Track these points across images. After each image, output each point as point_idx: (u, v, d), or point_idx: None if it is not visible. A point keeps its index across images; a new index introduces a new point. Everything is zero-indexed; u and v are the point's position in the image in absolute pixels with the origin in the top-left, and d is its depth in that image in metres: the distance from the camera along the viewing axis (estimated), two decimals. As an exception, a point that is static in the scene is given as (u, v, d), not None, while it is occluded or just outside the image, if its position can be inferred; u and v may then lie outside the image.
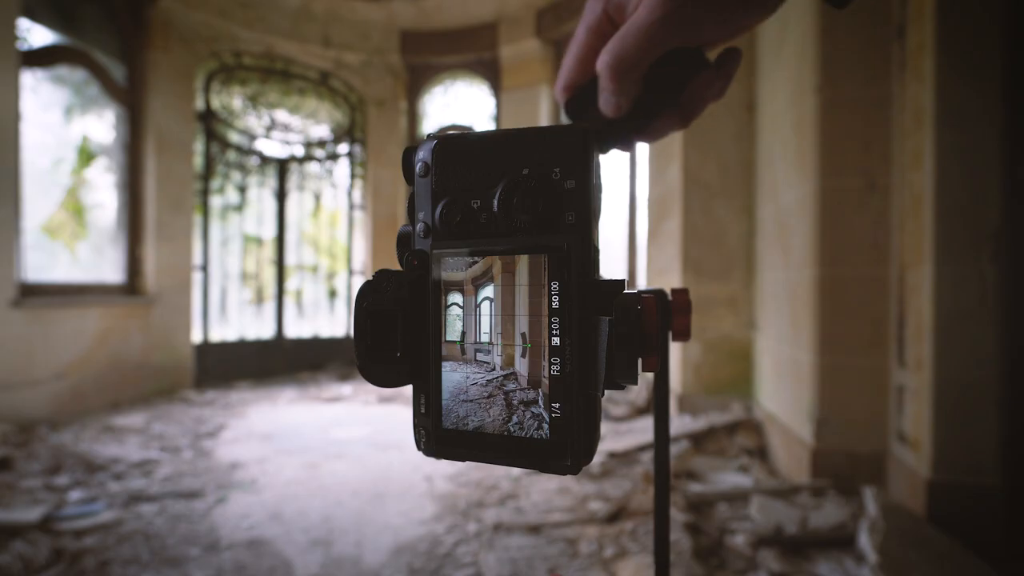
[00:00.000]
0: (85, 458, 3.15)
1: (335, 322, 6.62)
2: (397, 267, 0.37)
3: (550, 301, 0.32)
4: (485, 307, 0.34)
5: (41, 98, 4.36)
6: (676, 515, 2.27)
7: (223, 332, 5.94)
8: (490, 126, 6.37)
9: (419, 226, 0.36)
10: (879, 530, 1.92)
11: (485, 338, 0.33)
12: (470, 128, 6.46)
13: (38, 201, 4.43)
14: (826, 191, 2.51)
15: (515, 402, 0.33)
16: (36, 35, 4.23)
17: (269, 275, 6.30)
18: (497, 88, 6.22)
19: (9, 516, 2.34)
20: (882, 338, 2.45)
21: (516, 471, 3.01)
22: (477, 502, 2.63)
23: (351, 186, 6.63)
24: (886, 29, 2.42)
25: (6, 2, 3.79)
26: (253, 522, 2.44)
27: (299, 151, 6.38)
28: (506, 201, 0.34)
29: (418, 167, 0.36)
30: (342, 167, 6.60)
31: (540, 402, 0.32)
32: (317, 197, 6.50)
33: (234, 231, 6.06)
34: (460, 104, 6.56)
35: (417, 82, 6.54)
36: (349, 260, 6.70)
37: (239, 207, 6.03)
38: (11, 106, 3.80)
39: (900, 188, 2.37)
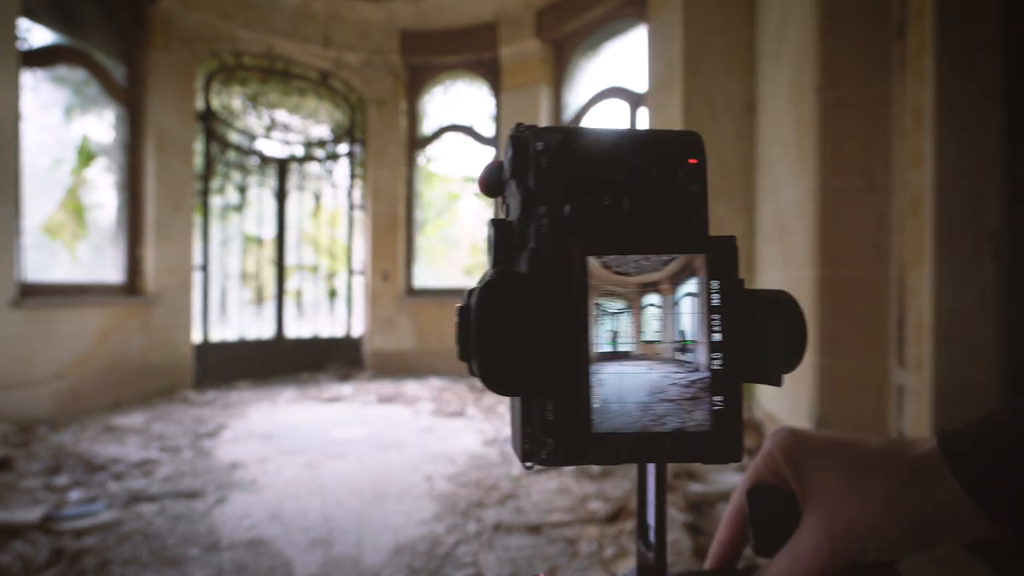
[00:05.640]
0: (85, 458, 3.15)
1: (335, 322, 6.62)
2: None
3: (709, 299, 0.33)
4: (636, 305, 0.33)
5: (41, 98, 4.36)
6: (676, 515, 2.27)
7: (223, 332, 5.94)
8: (490, 126, 6.37)
9: (543, 221, 0.34)
10: (879, 530, 1.92)
11: (642, 337, 0.33)
12: (470, 128, 6.47)
13: (38, 201, 4.43)
14: (826, 191, 2.51)
15: (677, 400, 0.33)
16: (36, 35, 4.23)
17: (269, 275, 6.30)
18: (497, 88, 6.22)
19: (9, 516, 2.34)
20: (882, 338, 2.45)
21: (516, 471, 3.01)
22: (477, 502, 2.63)
23: (351, 186, 6.63)
24: (886, 29, 2.42)
25: (6, 2, 3.79)
26: (253, 522, 2.44)
27: (299, 151, 6.38)
28: (638, 200, 0.35)
29: (542, 159, 0.34)
30: (342, 167, 6.60)
31: (701, 397, 0.33)
32: (317, 197, 6.50)
33: (234, 231, 6.07)
34: (460, 104, 6.56)
35: (417, 82, 6.54)
36: (349, 260, 6.70)
37: (239, 207, 6.03)
38: (11, 106, 3.80)
39: (900, 188, 2.37)
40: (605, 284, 0.33)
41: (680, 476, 2.74)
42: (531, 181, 0.34)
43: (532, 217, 0.34)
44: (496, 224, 0.36)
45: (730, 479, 2.74)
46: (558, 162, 0.34)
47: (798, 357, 0.35)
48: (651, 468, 0.43)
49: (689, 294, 0.33)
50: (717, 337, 0.33)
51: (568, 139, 0.35)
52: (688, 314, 0.33)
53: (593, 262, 0.32)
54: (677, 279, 0.33)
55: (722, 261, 0.33)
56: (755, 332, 0.34)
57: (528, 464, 0.34)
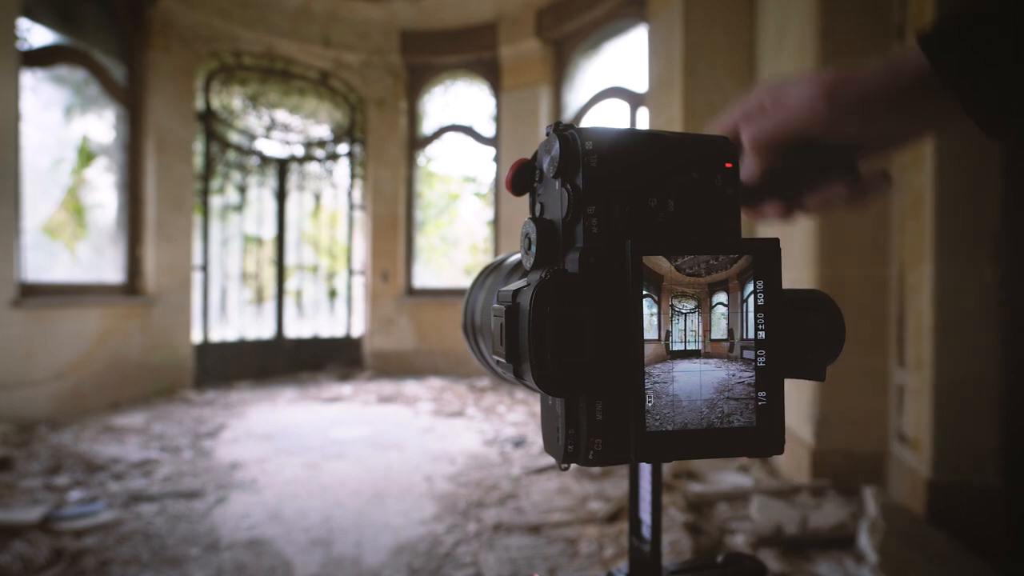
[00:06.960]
0: (85, 458, 3.15)
1: (335, 322, 6.62)
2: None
3: (756, 298, 0.33)
4: (688, 306, 0.33)
5: (41, 98, 4.36)
6: (676, 515, 2.27)
7: (223, 332, 5.94)
8: (490, 126, 6.37)
9: (592, 221, 0.34)
10: (879, 530, 1.92)
11: (691, 337, 0.33)
12: (470, 128, 6.47)
13: (38, 201, 4.43)
14: (826, 191, 2.51)
15: (723, 396, 0.33)
16: (36, 35, 4.23)
17: (269, 275, 6.30)
18: (497, 88, 6.22)
19: (9, 516, 2.34)
20: (882, 338, 2.45)
21: (516, 471, 3.01)
22: (477, 502, 2.63)
23: (351, 186, 6.63)
24: (886, 29, 2.42)
25: (6, 2, 3.79)
26: (253, 522, 2.44)
27: (299, 151, 6.38)
28: (682, 202, 0.35)
29: (592, 158, 0.34)
30: (342, 167, 6.59)
31: (747, 393, 0.33)
32: (317, 197, 6.50)
33: (234, 231, 6.06)
34: (460, 104, 6.55)
35: (417, 82, 6.53)
36: (349, 260, 6.70)
37: (239, 207, 6.03)
38: (11, 106, 3.80)
39: (900, 188, 2.37)
40: (678, 285, 0.32)
41: (680, 476, 2.74)
42: (579, 180, 0.34)
43: (580, 217, 0.34)
44: (538, 223, 0.35)
45: (730, 479, 2.74)
46: (607, 162, 0.34)
47: (837, 353, 0.37)
48: (646, 464, 0.43)
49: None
50: (761, 335, 0.34)
51: (615, 139, 0.35)
52: (737, 313, 0.34)
53: (664, 264, 0.32)
54: (743, 278, 0.33)
55: (767, 262, 0.34)
56: (797, 329, 0.35)
57: (565, 466, 0.33)
